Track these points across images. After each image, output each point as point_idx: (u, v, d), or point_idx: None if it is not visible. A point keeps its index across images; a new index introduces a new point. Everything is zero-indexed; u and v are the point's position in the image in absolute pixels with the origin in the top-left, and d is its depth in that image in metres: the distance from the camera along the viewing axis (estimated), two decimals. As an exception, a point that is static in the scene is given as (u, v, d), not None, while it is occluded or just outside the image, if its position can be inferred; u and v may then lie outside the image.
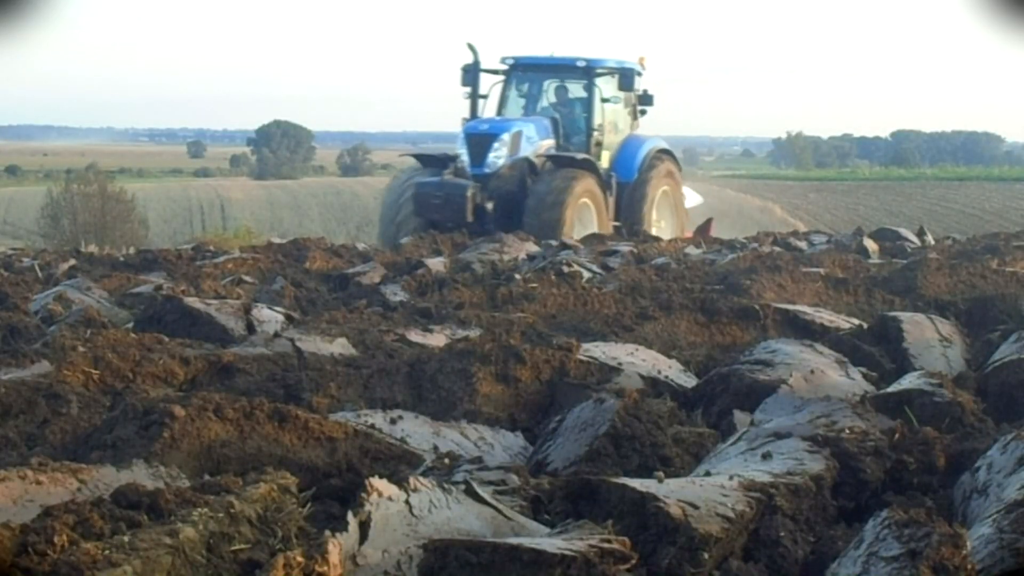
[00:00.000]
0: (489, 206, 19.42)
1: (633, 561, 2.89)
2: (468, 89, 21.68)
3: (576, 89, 21.89)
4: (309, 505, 3.57)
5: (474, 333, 6.34)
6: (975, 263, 10.34)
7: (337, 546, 2.78)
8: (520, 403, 5.29)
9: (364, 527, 2.98)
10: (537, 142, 20.61)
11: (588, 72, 21.33)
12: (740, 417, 4.78)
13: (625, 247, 13.89)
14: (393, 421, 4.60)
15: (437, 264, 11.08)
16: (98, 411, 4.75)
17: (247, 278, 9.84)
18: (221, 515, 3.07)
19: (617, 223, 20.69)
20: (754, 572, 3.19)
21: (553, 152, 20.71)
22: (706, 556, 3.08)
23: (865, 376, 5.66)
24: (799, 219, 47.55)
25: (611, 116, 21.75)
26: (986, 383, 5.48)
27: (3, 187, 75.14)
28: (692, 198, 24.48)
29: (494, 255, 12.75)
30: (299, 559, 2.69)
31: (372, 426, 4.48)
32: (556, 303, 7.91)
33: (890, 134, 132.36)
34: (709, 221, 24.15)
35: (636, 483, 3.36)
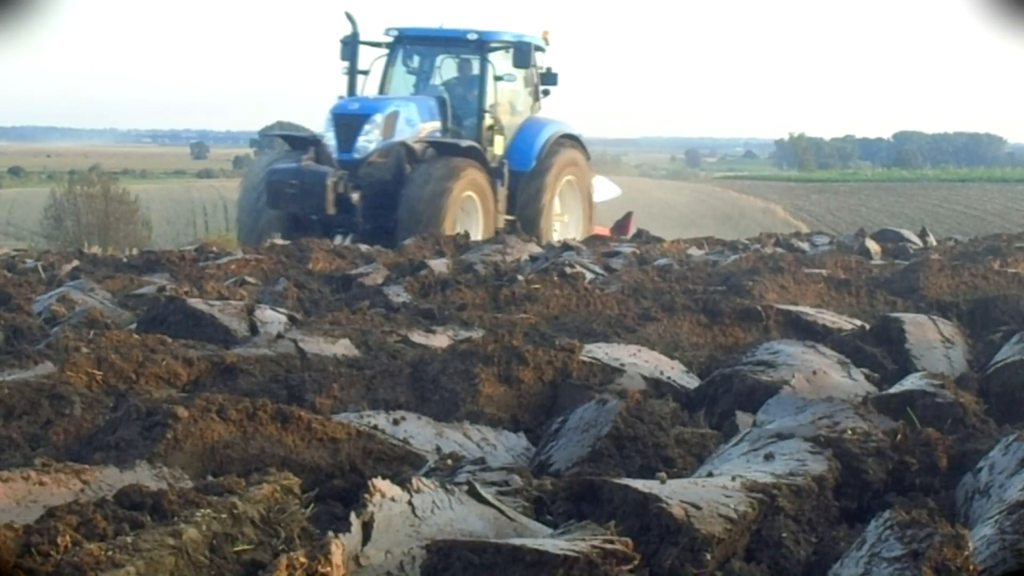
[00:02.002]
0: (355, 197, 17.13)
1: (635, 562, 2.89)
2: (347, 64, 19.22)
3: (467, 65, 19.55)
4: (312, 506, 3.58)
5: (477, 334, 6.34)
6: (977, 264, 10.33)
7: (340, 547, 2.79)
8: (523, 404, 5.29)
9: (367, 528, 2.99)
10: (418, 125, 18.26)
11: (480, 46, 18.97)
12: (742, 418, 4.79)
13: (627, 248, 13.89)
14: (396, 422, 4.61)
15: (440, 265, 11.08)
16: (101, 412, 4.75)
17: (250, 279, 9.84)
18: (224, 516, 3.08)
19: (510, 217, 18.61)
20: (756, 573, 3.20)
21: (438, 136, 18.42)
22: (708, 557, 3.09)
23: (867, 377, 5.66)
24: (801, 220, 47.56)
25: (507, 96, 19.51)
26: (988, 384, 5.48)
27: (6, 188, 75.22)
28: (608, 190, 22.37)
29: (497, 256, 12.75)
30: (302, 560, 2.69)
31: (375, 427, 4.48)
32: (559, 304, 7.91)
33: (892, 135, 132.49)
34: (629, 216, 22.23)
35: (639, 484, 3.37)
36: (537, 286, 8.83)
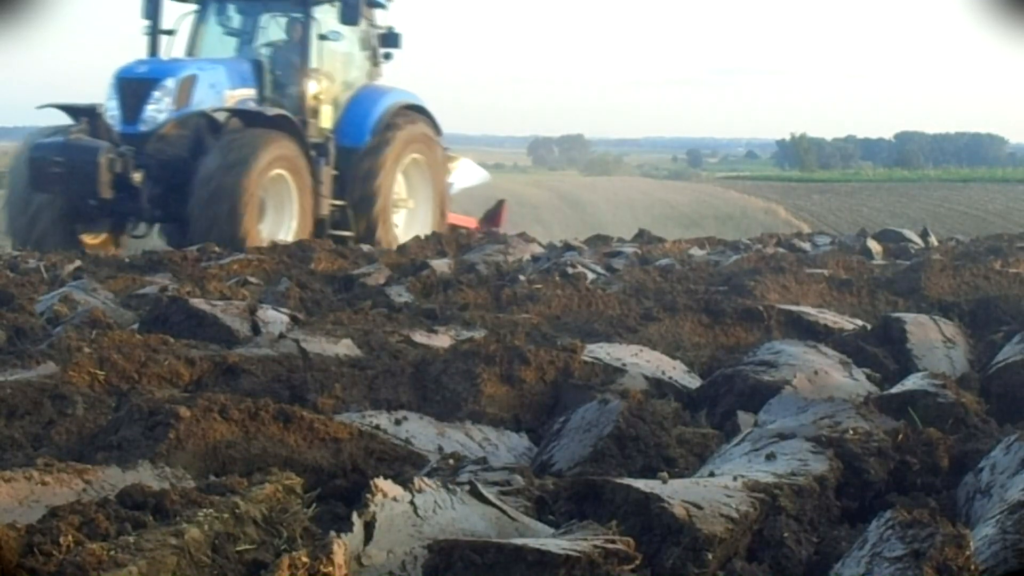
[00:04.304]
0: (136, 177, 14.49)
1: (637, 561, 2.89)
2: (148, 23, 16.44)
3: (291, 24, 16.67)
4: (314, 506, 3.58)
5: (479, 334, 6.35)
6: (978, 264, 10.34)
7: (342, 547, 2.79)
8: (525, 404, 5.29)
9: (369, 528, 2.99)
10: (225, 91, 15.51)
11: (302, 1, 16.26)
12: (744, 418, 4.79)
13: (629, 248, 13.90)
14: (398, 422, 4.61)
15: (442, 265, 11.10)
16: (104, 412, 4.75)
17: (252, 279, 9.84)
18: (226, 516, 3.08)
19: (340, 202, 16.10)
20: (758, 573, 3.20)
21: (251, 105, 15.71)
22: (710, 556, 3.09)
23: (869, 377, 5.66)
24: (803, 220, 47.49)
25: (338, 60, 16.73)
26: (989, 384, 5.49)
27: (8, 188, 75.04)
28: (473, 174, 20.04)
29: (499, 256, 12.77)
30: (304, 560, 2.70)
31: (377, 427, 4.49)
32: (560, 304, 7.92)
33: (893, 135, 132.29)
34: (501, 204, 20.33)
35: (640, 484, 3.37)
36: (539, 286, 8.85)
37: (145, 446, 4.00)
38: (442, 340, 6.36)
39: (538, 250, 14.04)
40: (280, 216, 15.14)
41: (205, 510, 3.08)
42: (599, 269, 11.26)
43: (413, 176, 17.19)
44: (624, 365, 5.68)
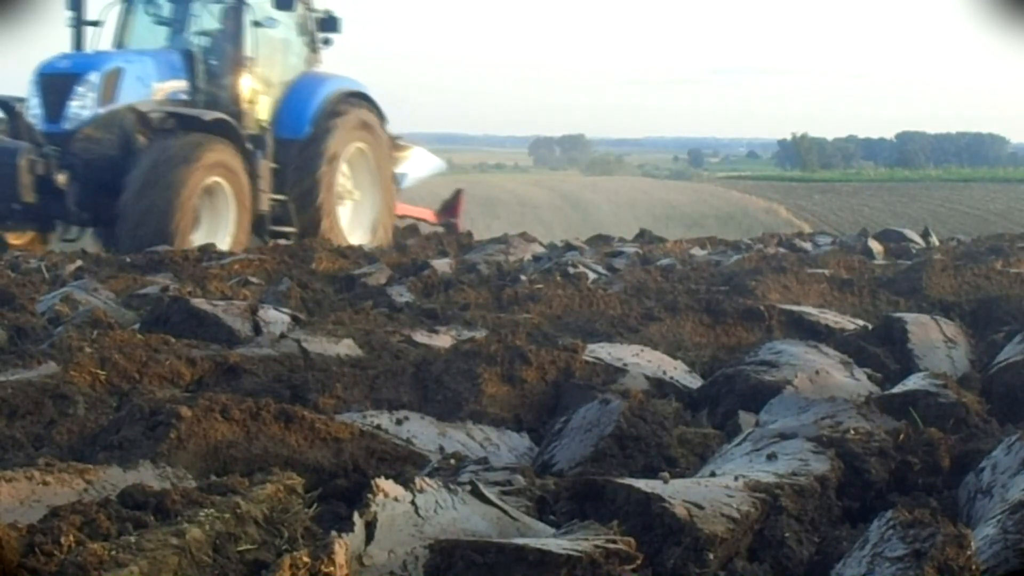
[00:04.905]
0: (60, 179, 13.67)
1: (638, 561, 2.89)
2: (72, 15, 15.52)
3: (224, 11, 15.64)
4: (315, 506, 3.58)
5: (480, 334, 6.35)
6: (980, 264, 10.36)
7: (343, 546, 2.79)
8: (526, 404, 5.29)
9: (370, 527, 2.99)
10: (153, 84, 14.60)
11: None
12: (745, 418, 4.79)
13: (631, 248, 13.91)
14: (399, 422, 4.61)
15: (443, 265, 11.11)
16: (105, 412, 4.76)
17: (253, 279, 9.85)
18: (227, 516, 3.08)
19: (280, 197, 15.21)
20: (759, 572, 3.20)
21: (183, 98, 14.87)
22: (711, 556, 3.09)
23: (870, 377, 5.67)
24: (804, 220, 47.47)
25: (275, 47, 15.83)
26: (991, 384, 5.48)
27: (9, 188, 74.91)
28: (427, 163, 19.12)
29: (500, 256, 12.78)
30: (305, 559, 2.70)
31: (378, 427, 4.49)
32: (562, 304, 7.92)
33: (895, 135, 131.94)
34: (458, 194, 19.63)
35: (641, 484, 3.37)
36: (540, 286, 8.85)
37: (146, 446, 4.01)
38: (443, 340, 6.36)
39: (539, 250, 14.06)
40: (216, 223, 14.39)
41: (206, 510, 3.08)
42: (600, 269, 11.27)
43: (358, 166, 16.35)
44: (625, 365, 5.68)
